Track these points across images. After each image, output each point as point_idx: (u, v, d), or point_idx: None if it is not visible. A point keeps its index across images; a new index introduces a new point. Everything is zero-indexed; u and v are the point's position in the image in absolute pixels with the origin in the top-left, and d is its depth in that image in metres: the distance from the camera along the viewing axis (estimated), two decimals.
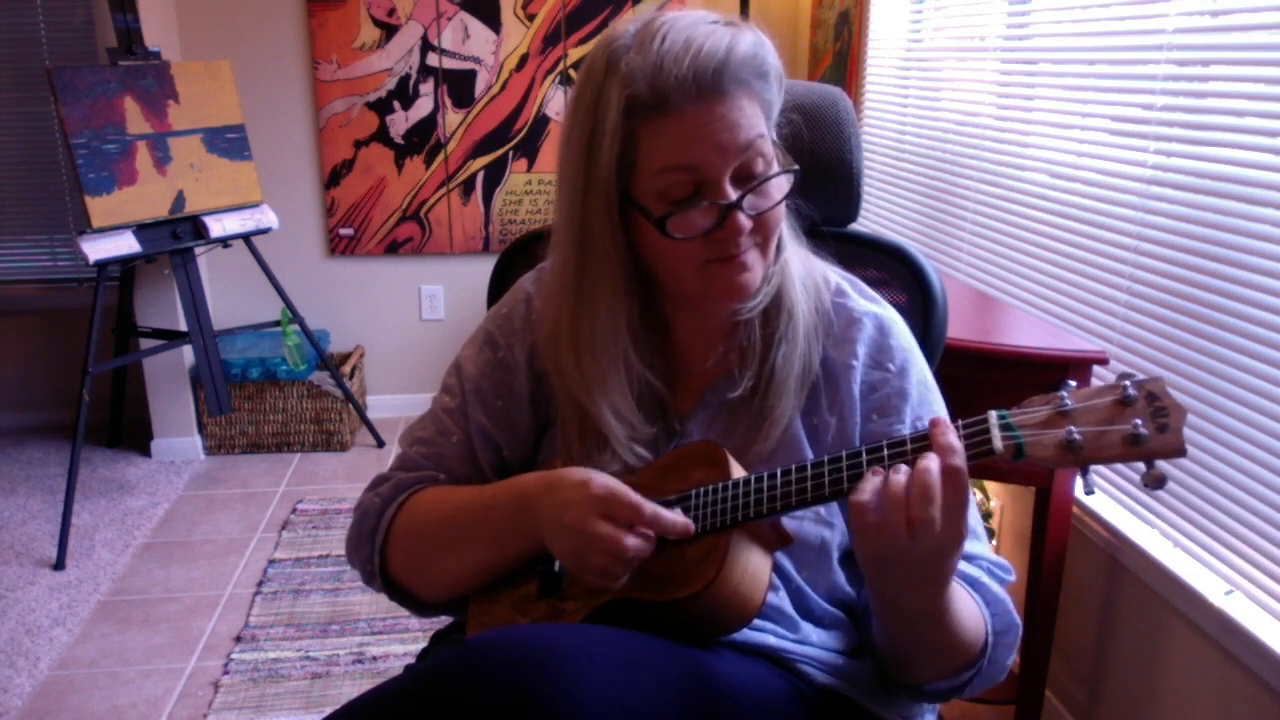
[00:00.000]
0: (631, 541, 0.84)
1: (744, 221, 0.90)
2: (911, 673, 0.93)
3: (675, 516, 0.87)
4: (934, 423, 0.80)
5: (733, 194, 0.90)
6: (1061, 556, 1.69)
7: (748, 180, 0.91)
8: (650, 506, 0.85)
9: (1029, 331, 1.76)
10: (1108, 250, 1.75)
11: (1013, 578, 1.00)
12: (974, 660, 0.91)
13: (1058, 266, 1.91)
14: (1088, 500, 1.80)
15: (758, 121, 0.91)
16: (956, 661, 0.90)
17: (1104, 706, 1.79)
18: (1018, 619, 0.96)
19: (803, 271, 1.02)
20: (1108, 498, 1.79)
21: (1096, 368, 1.62)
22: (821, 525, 0.98)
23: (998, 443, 0.78)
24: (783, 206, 0.95)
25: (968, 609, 0.90)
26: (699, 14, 0.92)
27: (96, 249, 2.67)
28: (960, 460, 0.77)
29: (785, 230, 1.00)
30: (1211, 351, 1.49)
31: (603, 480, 0.87)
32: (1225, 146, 1.49)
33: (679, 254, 0.92)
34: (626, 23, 0.92)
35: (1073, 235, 1.85)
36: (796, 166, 0.95)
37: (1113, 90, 1.77)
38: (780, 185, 0.94)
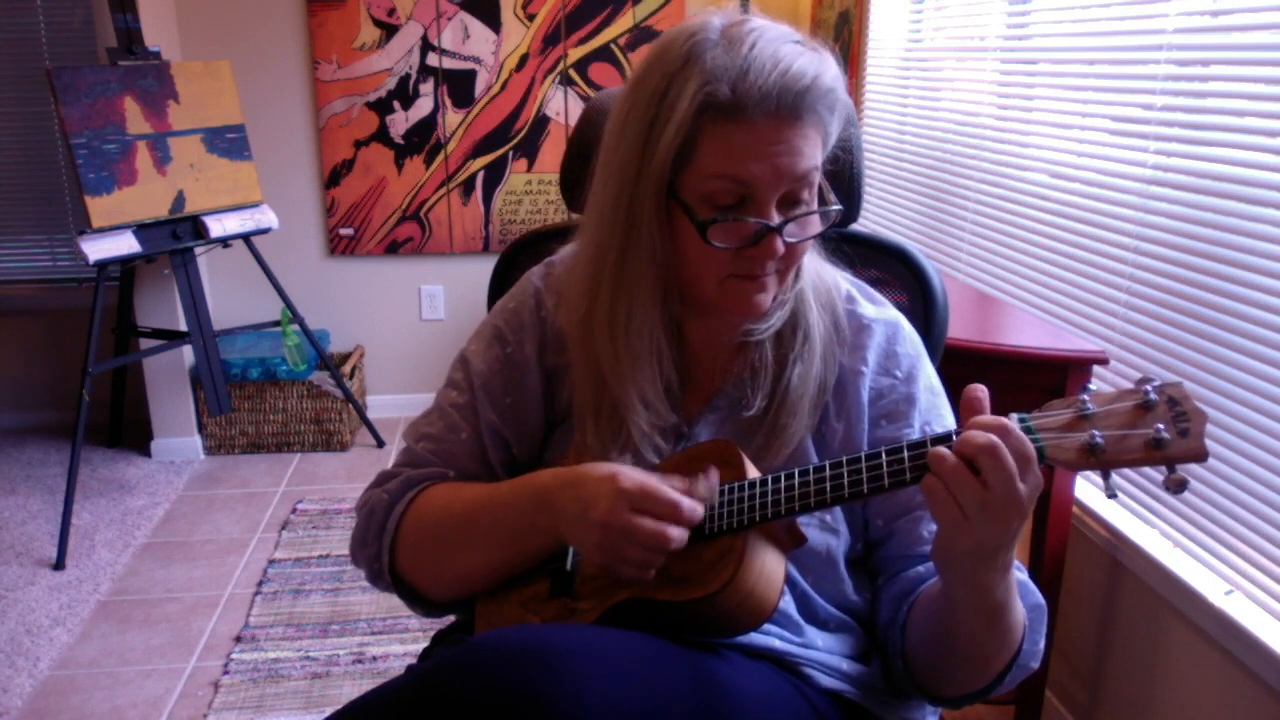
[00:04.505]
0: (675, 533, 0.83)
1: (779, 246, 0.90)
2: (972, 674, 0.90)
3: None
4: (971, 423, 0.78)
5: (776, 217, 0.90)
6: (1061, 556, 1.69)
7: (791, 206, 0.91)
8: (687, 502, 0.85)
9: (1029, 331, 1.76)
10: (1108, 250, 1.75)
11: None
12: (1019, 647, 0.89)
13: (1058, 266, 1.91)
14: (1088, 500, 1.80)
15: (817, 153, 0.90)
16: (1009, 652, 0.88)
17: (1104, 706, 1.79)
18: (1040, 597, 0.94)
19: (817, 284, 1.02)
20: (1107, 498, 1.78)
21: (1096, 367, 1.62)
22: (827, 532, 0.98)
23: None
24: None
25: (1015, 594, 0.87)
26: (785, 29, 0.91)
27: (96, 249, 2.67)
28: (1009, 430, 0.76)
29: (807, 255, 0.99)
30: (1211, 351, 1.49)
31: (633, 474, 0.86)
32: (1225, 146, 1.49)
33: (706, 260, 0.92)
34: (710, 15, 0.91)
35: (1073, 235, 1.85)
36: (840, 206, 0.94)
37: (1113, 90, 1.77)
38: (818, 219, 0.93)
